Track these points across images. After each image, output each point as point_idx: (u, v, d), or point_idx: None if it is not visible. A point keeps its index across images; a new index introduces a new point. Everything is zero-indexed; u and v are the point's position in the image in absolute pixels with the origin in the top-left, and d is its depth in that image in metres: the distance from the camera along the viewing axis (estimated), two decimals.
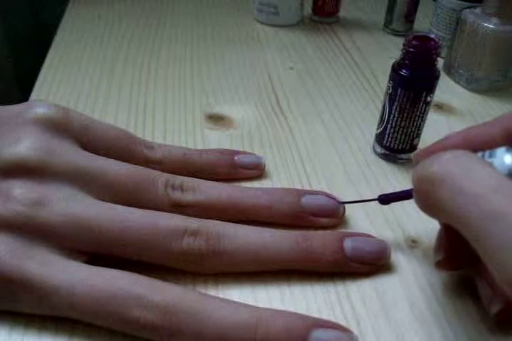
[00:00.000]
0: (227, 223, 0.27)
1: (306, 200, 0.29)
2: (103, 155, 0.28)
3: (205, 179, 0.30)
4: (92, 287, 0.23)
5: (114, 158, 0.28)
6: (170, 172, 0.29)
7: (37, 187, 0.25)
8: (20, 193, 0.24)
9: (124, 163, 0.28)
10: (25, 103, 0.28)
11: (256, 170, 0.33)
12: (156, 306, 0.22)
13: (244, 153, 0.33)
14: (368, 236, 0.28)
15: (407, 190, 0.27)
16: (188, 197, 0.28)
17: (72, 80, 0.42)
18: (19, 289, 0.23)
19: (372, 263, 0.27)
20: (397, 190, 0.33)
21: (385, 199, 0.28)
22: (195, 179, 0.29)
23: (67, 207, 0.25)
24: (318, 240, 0.27)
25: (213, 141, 0.36)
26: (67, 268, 0.23)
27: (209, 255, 0.25)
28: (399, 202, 0.32)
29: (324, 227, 0.29)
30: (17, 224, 0.24)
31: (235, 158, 0.32)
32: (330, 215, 0.29)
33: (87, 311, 0.23)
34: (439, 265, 0.26)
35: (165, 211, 0.27)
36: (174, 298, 0.23)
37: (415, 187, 0.23)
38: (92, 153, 0.28)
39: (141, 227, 0.25)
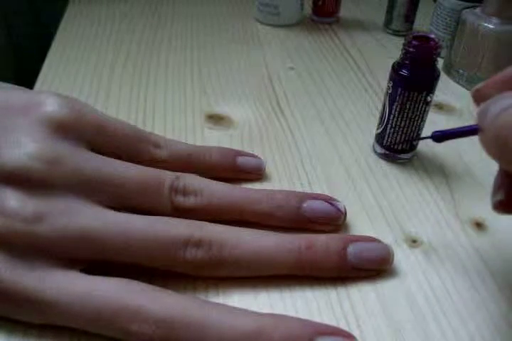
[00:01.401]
0: (230, 229, 0.27)
1: (307, 206, 0.29)
2: (111, 155, 0.27)
3: (208, 178, 0.30)
4: (91, 300, 0.22)
5: (122, 157, 0.28)
6: (175, 170, 0.29)
7: (38, 200, 0.24)
8: (20, 207, 0.23)
9: (131, 166, 0.27)
10: (31, 94, 0.26)
11: (256, 174, 0.33)
12: (154, 320, 0.22)
13: (246, 154, 0.33)
14: (371, 240, 0.28)
15: (464, 127, 0.25)
16: (190, 202, 0.27)
17: (72, 80, 0.42)
18: (18, 302, 0.23)
19: (375, 269, 0.27)
20: (397, 189, 0.33)
21: (440, 136, 0.27)
22: (198, 180, 0.29)
23: (68, 220, 0.24)
24: (321, 247, 0.26)
25: (213, 141, 0.36)
26: (65, 281, 0.23)
27: (211, 264, 0.25)
28: (399, 202, 0.32)
29: (324, 233, 0.29)
30: (15, 241, 0.23)
31: (237, 161, 0.32)
32: (331, 222, 0.29)
33: (86, 323, 0.23)
34: (498, 206, 0.24)
35: (168, 215, 0.26)
36: (174, 308, 0.22)
37: (500, 123, 0.20)
38: (98, 151, 0.27)
39: (143, 238, 0.24)
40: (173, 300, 0.23)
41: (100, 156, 0.27)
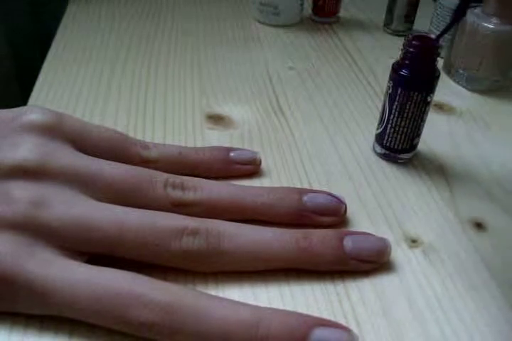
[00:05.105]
0: (227, 222, 0.27)
1: (307, 199, 0.29)
2: (99, 157, 0.28)
3: (203, 177, 0.30)
4: (92, 287, 0.23)
5: (111, 159, 0.28)
6: (166, 171, 0.29)
7: (37, 188, 0.25)
8: (21, 194, 0.24)
9: (122, 164, 0.28)
10: (17, 109, 0.28)
11: (252, 166, 0.33)
12: (156, 305, 0.22)
13: (239, 149, 0.33)
14: (368, 234, 0.28)
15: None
16: (189, 196, 0.28)
17: (72, 80, 0.42)
18: (20, 289, 0.23)
19: (373, 261, 0.27)
20: (397, 189, 0.33)
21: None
22: (196, 178, 0.29)
23: (67, 208, 0.25)
24: (318, 238, 0.27)
25: (213, 140, 0.36)
26: (67, 268, 0.23)
27: (208, 254, 0.25)
28: (399, 202, 0.32)
29: (326, 226, 0.29)
30: (18, 225, 0.24)
31: (230, 154, 0.32)
32: (332, 214, 0.29)
33: (87, 311, 0.23)
34: None
35: (166, 211, 0.26)
36: (175, 296, 0.23)
37: None
38: (88, 155, 0.28)
39: (139, 227, 0.25)
40: (174, 288, 0.23)
41: (89, 156, 0.28)
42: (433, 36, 0.31)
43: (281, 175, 0.34)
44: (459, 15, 0.30)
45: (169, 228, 0.25)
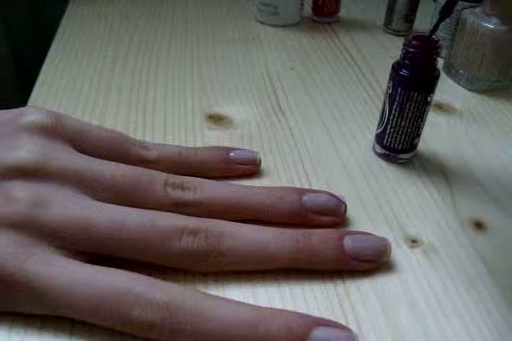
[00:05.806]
0: (227, 222, 0.27)
1: (308, 199, 0.29)
2: (99, 158, 0.28)
3: (203, 177, 0.30)
4: (92, 286, 0.23)
5: (110, 160, 0.28)
6: (166, 172, 0.29)
7: (37, 188, 0.25)
8: (21, 194, 0.24)
9: (122, 164, 0.28)
10: (16, 109, 0.29)
11: (252, 166, 0.33)
12: (156, 304, 0.22)
13: (238, 149, 0.33)
14: (368, 234, 0.28)
15: None
16: (189, 195, 0.28)
17: (72, 80, 0.42)
18: (20, 289, 0.23)
19: (373, 260, 0.27)
20: (397, 189, 0.33)
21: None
22: (195, 178, 0.29)
23: (67, 207, 0.25)
24: (317, 238, 0.27)
25: (213, 140, 0.36)
26: (67, 268, 0.23)
27: (208, 254, 0.25)
28: (399, 202, 0.32)
29: (326, 226, 0.29)
30: (18, 224, 0.24)
31: (230, 154, 0.32)
32: (332, 213, 0.29)
33: (87, 310, 0.23)
34: None
35: (165, 210, 0.27)
36: (175, 296, 0.23)
37: None
38: (88, 155, 0.28)
39: (139, 227, 0.25)
40: (174, 288, 0.23)
41: (89, 156, 0.28)
42: (433, 36, 0.31)
43: (281, 174, 0.34)
44: (445, 13, 0.30)
45: (169, 228, 0.25)
